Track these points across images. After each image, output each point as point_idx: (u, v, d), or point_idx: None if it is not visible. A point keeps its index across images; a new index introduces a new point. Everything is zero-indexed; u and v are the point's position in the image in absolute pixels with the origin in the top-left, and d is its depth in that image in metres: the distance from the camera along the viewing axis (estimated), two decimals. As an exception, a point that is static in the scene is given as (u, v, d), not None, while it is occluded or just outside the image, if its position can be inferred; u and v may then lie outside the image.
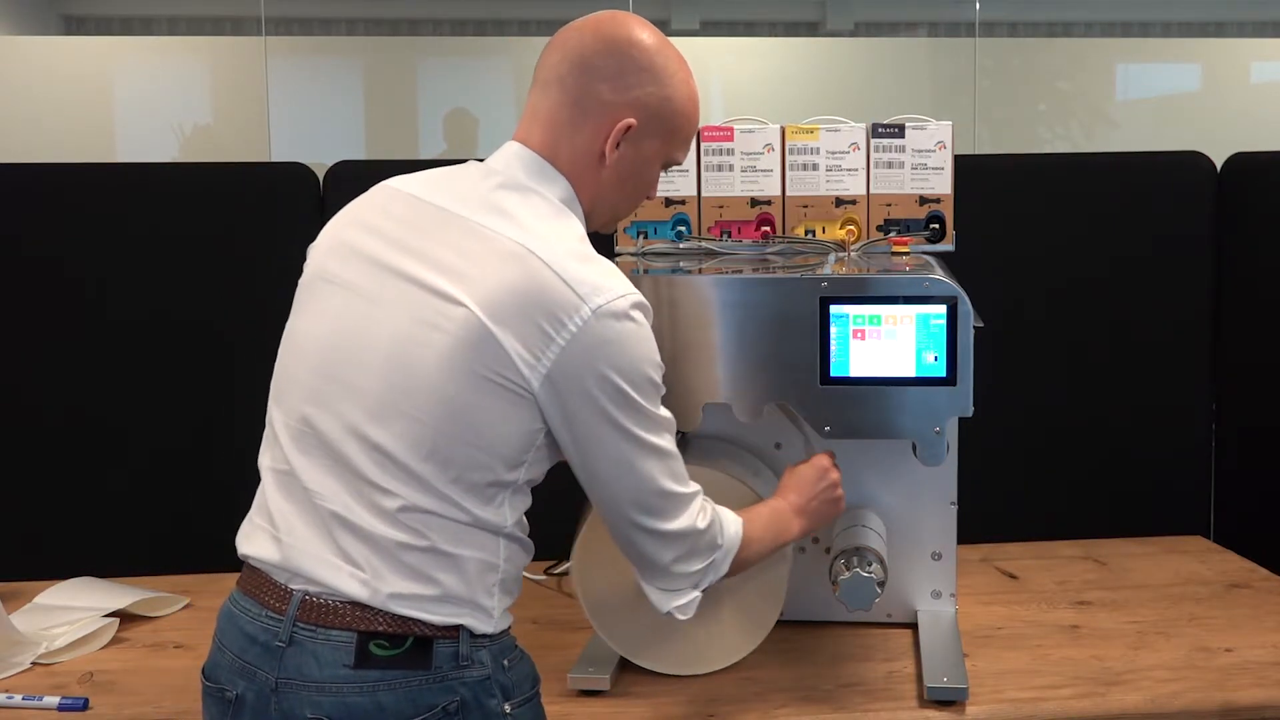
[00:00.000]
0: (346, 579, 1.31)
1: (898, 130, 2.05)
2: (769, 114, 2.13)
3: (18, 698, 1.74)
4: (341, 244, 1.45)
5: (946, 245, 2.06)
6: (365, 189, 2.36)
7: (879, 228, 2.06)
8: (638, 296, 1.36)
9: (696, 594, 1.50)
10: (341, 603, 1.32)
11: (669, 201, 2.07)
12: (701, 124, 2.08)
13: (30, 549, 2.31)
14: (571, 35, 1.46)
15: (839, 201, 2.06)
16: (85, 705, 1.72)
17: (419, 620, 1.32)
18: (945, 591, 1.96)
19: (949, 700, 1.69)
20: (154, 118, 4.66)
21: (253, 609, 1.37)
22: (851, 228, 2.05)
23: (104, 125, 4.69)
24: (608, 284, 1.34)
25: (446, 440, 1.31)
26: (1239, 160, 2.47)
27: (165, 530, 2.35)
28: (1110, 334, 2.47)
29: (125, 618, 2.03)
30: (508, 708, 1.36)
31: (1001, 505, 2.42)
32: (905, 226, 2.05)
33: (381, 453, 1.32)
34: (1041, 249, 2.45)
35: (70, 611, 2.00)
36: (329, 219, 2.41)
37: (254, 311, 2.35)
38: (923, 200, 2.05)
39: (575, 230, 1.42)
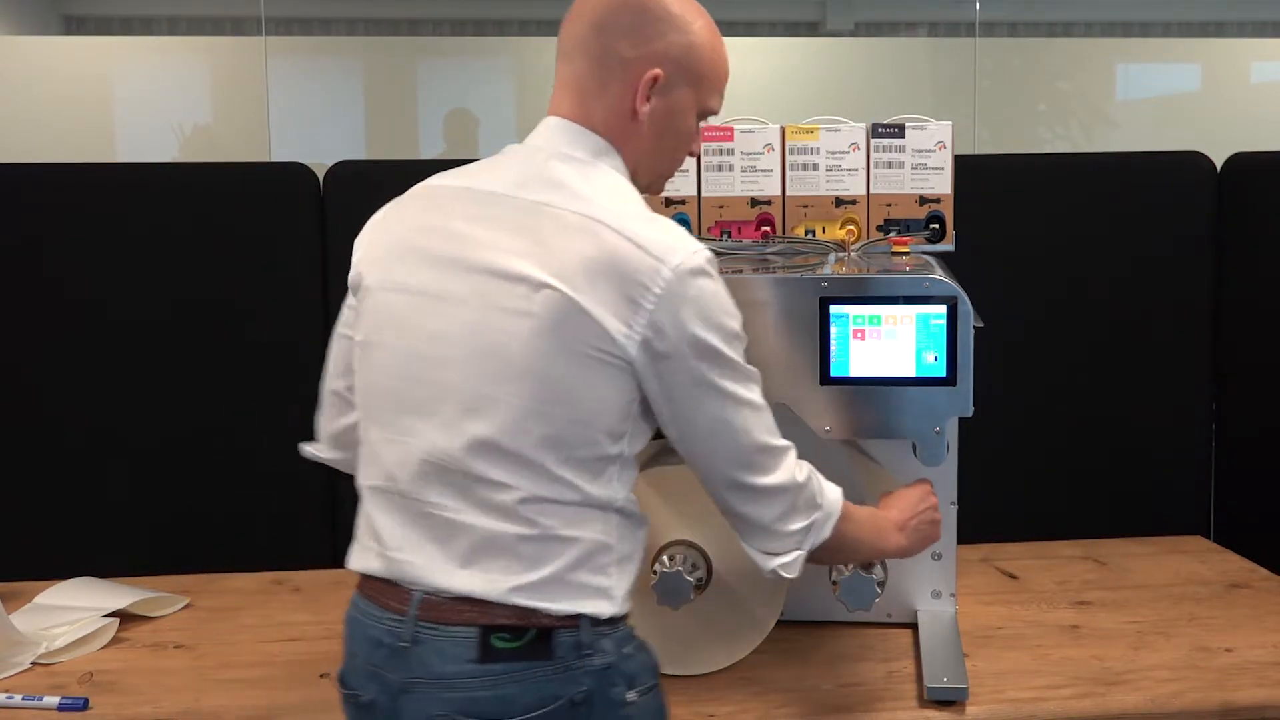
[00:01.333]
0: (465, 579, 1.32)
1: (898, 130, 2.05)
2: (769, 114, 2.13)
3: (18, 698, 1.74)
4: (401, 249, 1.42)
5: (946, 245, 2.06)
6: (365, 189, 2.35)
7: (879, 228, 2.06)
8: (706, 250, 1.36)
9: (801, 553, 1.46)
10: (462, 599, 1.32)
11: (669, 201, 2.07)
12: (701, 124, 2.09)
13: (30, 549, 2.31)
14: (586, 0, 1.46)
15: (839, 201, 2.06)
16: (85, 705, 1.72)
17: (539, 610, 1.31)
18: (945, 591, 1.96)
19: (949, 700, 1.69)
20: (154, 118, 4.66)
21: (374, 612, 1.38)
22: (851, 228, 2.05)
23: (104, 125, 4.69)
24: (678, 242, 1.34)
25: (551, 421, 1.31)
26: (1239, 160, 2.47)
27: (165, 530, 2.35)
28: (1110, 334, 2.47)
29: (125, 618, 2.03)
30: (632, 696, 1.36)
31: (1001, 505, 2.42)
32: (905, 226, 2.05)
33: (488, 447, 1.31)
34: (1041, 249, 2.45)
35: (70, 611, 2.00)
36: (329, 219, 2.42)
37: (254, 311, 2.35)
38: (923, 200, 2.05)
39: (631, 192, 1.41)
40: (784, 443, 1.43)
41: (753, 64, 5.27)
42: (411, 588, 1.34)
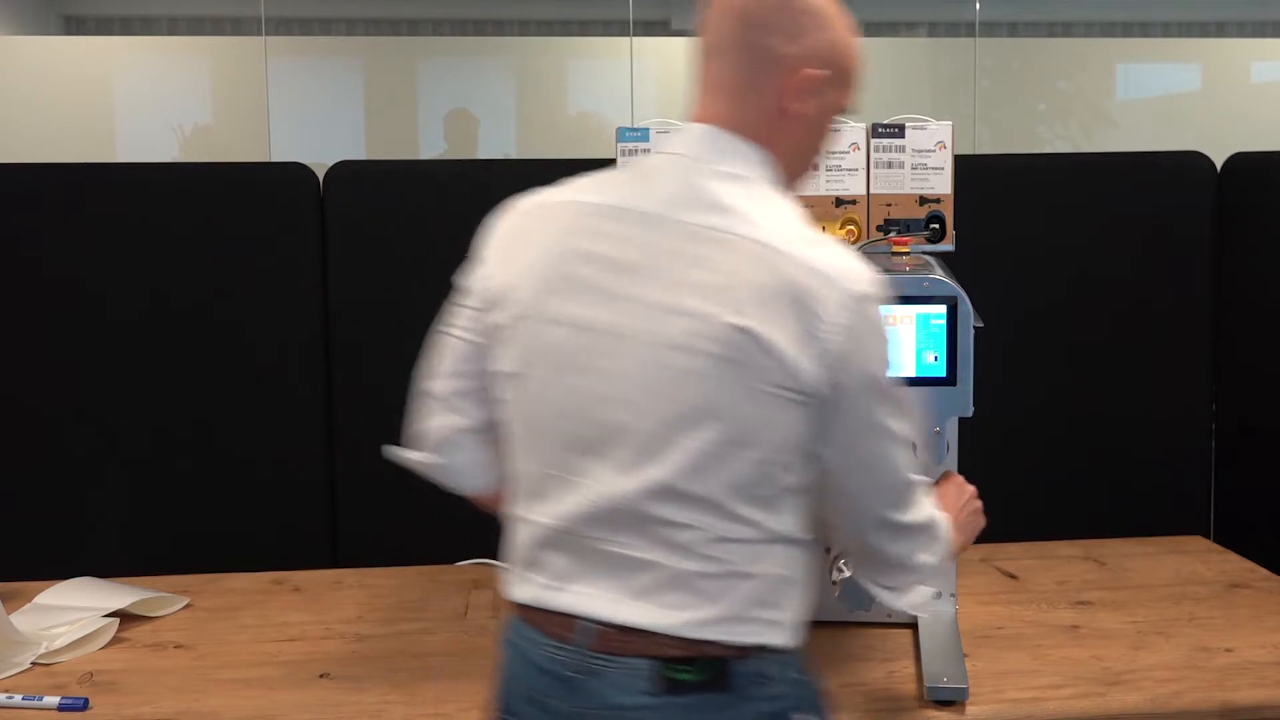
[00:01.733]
0: (638, 611, 1.28)
1: (898, 130, 2.05)
2: (769, 114, 2.13)
3: (18, 698, 1.74)
4: (554, 275, 1.33)
5: (946, 245, 2.06)
6: (365, 189, 2.36)
7: (879, 228, 2.06)
8: (869, 269, 1.30)
9: (926, 587, 1.44)
10: (633, 630, 1.28)
11: (669, 201, 2.07)
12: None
13: (30, 549, 2.31)
14: None
15: (839, 201, 2.06)
16: (85, 705, 1.72)
17: (717, 642, 1.28)
18: (945, 591, 1.96)
19: (949, 700, 1.69)
20: (154, 118, 4.67)
21: (538, 639, 1.33)
22: (851, 228, 2.05)
23: (104, 125, 4.69)
24: (847, 264, 1.28)
25: (733, 462, 1.26)
26: (1239, 160, 2.47)
27: (165, 530, 2.35)
28: (1110, 334, 2.47)
29: (125, 618, 2.03)
30: None
31: (1001, 505, 2.42)
32: (905, 226, 2.05)
33: (668, 491, 1.26)
34: (1041, 249, 2.45)
35: (70, 611, 2.00)
36: (329, 219, 2.41)
37: (254, 311, 2.35)
38: (923, 200, 2.05)
39: (794, 211, 1.33)
40: (922, 477, 1.39)
41: (753, 64, 5.26)
42: (579, 618, 1.30)
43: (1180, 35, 5.94)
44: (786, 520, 1.31)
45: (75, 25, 5.56)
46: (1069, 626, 1.97)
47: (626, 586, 1.28)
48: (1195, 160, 2.49)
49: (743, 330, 1.24)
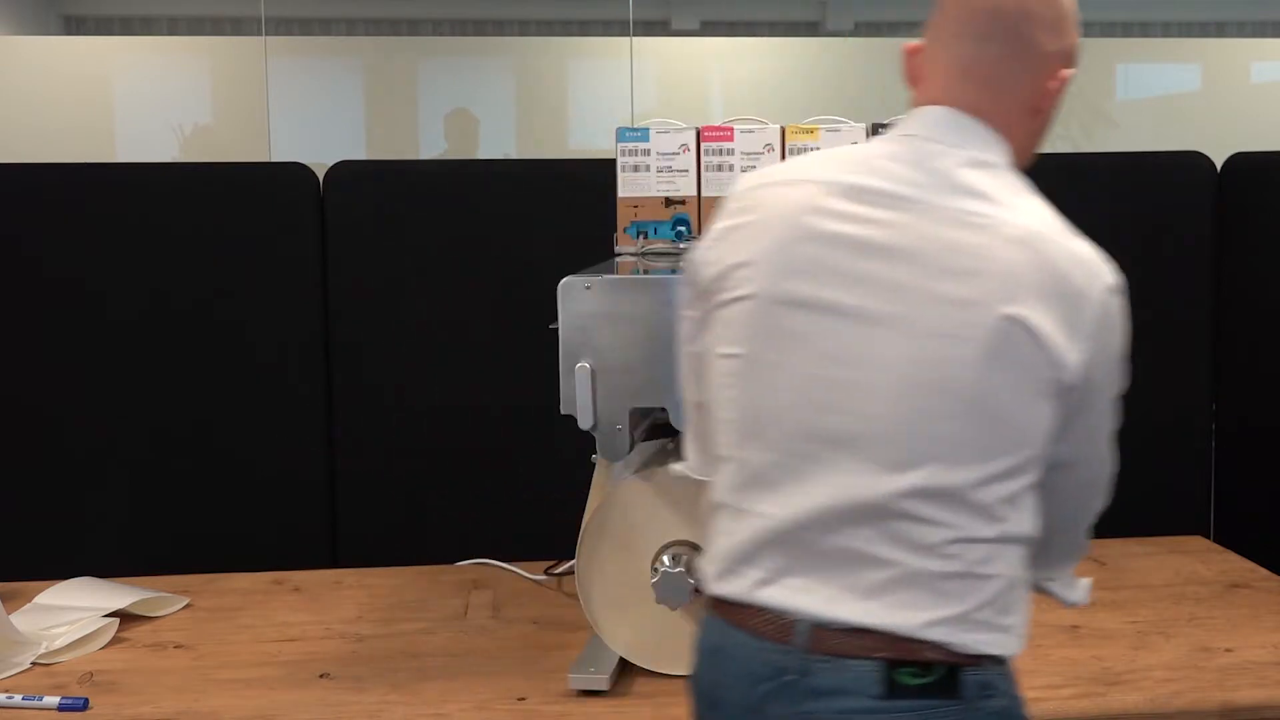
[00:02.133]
0: (867, 610, 1.21)
1: (898, 130, 2.05)
2: (769, 114, 2.13)
3: (18, 698, 1.74)
4: (791, 256, 1.27)
5: (946, 245, 2.05)
6: (365, 189, 2.36)
7: (879, 228, 2.05)
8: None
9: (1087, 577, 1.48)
10: (859, 630, 1.20)
11: (669, 201, 2.07)
12: (701, 124, 2.09)
13: (30, 549, 2.31)
14: None
15: (839, 201, 2.06)
16: (85, 705, 1.72)
17: (949, 646, 1.20)
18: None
19: (949, 700, 1.69)
20: (154, 118, 4.67)
21: (749, 641, 1.25)
22: (851, 228, 2.05)
23: (104, 125, 4.69)
24: (1099, 257, 1.28)
25: (992, 458, 1.20)
26: (1239, 160, 2.47)
27: (165, 530, 2.35)
28: (1110, 334, 2.47)
29: (125, 618, 2.03)
30: None
31: (1001, 505, 2.42)
32: (905, 226, 2.05)
33: (922, 487, 1.20)
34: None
35: (70, 611, 2.00)
36: (329, 219, 2.42)
37: (254, 311, 2.35)
38: (923, 200, 2.05)
39: (1043, 201, 1.31)
40: None
41: (753, 64, 5.27)
42: (798, 617, 1.22)
43: (1180, 35, 5.94)
44: (1025, 520, 1.25)
45: (75, 25, 5.56)
46: (1069, 626, 1.97)
47: (853, 584, 1.21)
48: (1195, 160, 2.49)
49: (1014, 320, 1.20)
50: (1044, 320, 1.21)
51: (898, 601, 1.20)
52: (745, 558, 1.26)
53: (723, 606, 1.28)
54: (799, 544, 1.23)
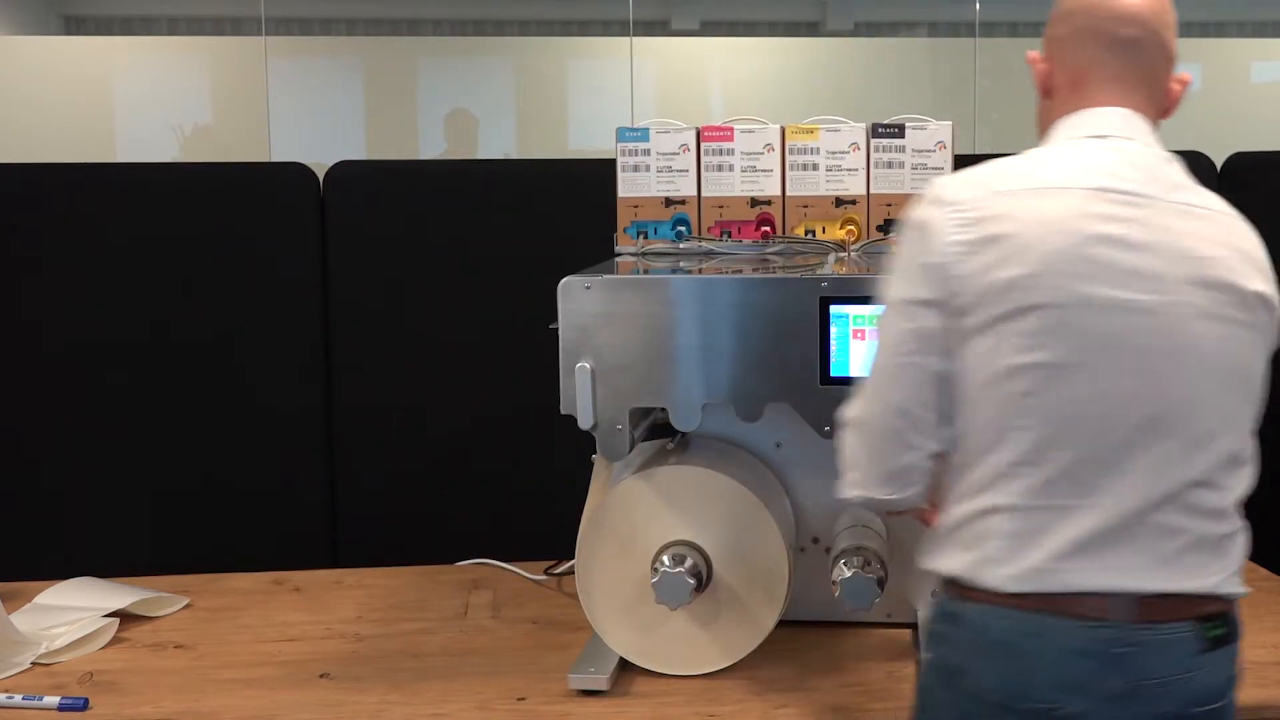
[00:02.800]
0: (1173, 579, 1.34)
1: (898, 130, 2.05)
2: (769, 114, 2.13)
3: (18, 698, 1.74)
4: (1070, 260, 1.33)
5: (946, 245, 2.05)
6: (365, 189, 2.36)
7: (879, 228, 2.06)
8: None
9: None
10: (1175, 596, 1.34)
11: (669, 201, 2.08)
12: (701, 124, 2.09)
13: (30, 549, 2.31)
14: None
15: (839, 201, 2.06)
16: (85, 705, 1.72)
17: (1229, 597, 1.39)
18: (945, 591, 1.95)
19: (949, 700, 1.69)
20: (154, 118, 4.67)
21: (1066, 625, 1.33)
22: (851, 228, 2.05)
23: (104, 125, 4.69)
24: None
25: (1249, 422, 1.39)
26: (1239, 160, 2.47)
27: (165, 530, 2.35)
28: (1110, 334, 2.47)
29: (125, 618, 2.03)
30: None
31: (1001, 505, 2.42)
32: (905, 226, 2.05)
33: (1218, 458, 1.36)
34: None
35: (70, 611, 2.00)
36: (329, 219, 2.42)
37: (254, 311, 2.35)
38: (923, 200, 2.05)
39: None
40: None
41: (753, 64, 5.27)
42: (1114, 594, 1.33)
43: (1180, 35, 5.93)
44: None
45: (75, 25, 5.56)
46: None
47: (1160, 555, 1.34)
48: (1195, 160, 2.48)
49: (1260, 295, 1.37)
50: (1273, 292, 1.39)
51: (1194, 565, 1.35)
52: (1069, 551, 1.33)
53: (1028, 600, 1.33)
54: (1121, 528, 1.33)
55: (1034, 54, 1.50)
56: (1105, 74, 1.44)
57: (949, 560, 1.38)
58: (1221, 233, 1.39)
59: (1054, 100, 1.49)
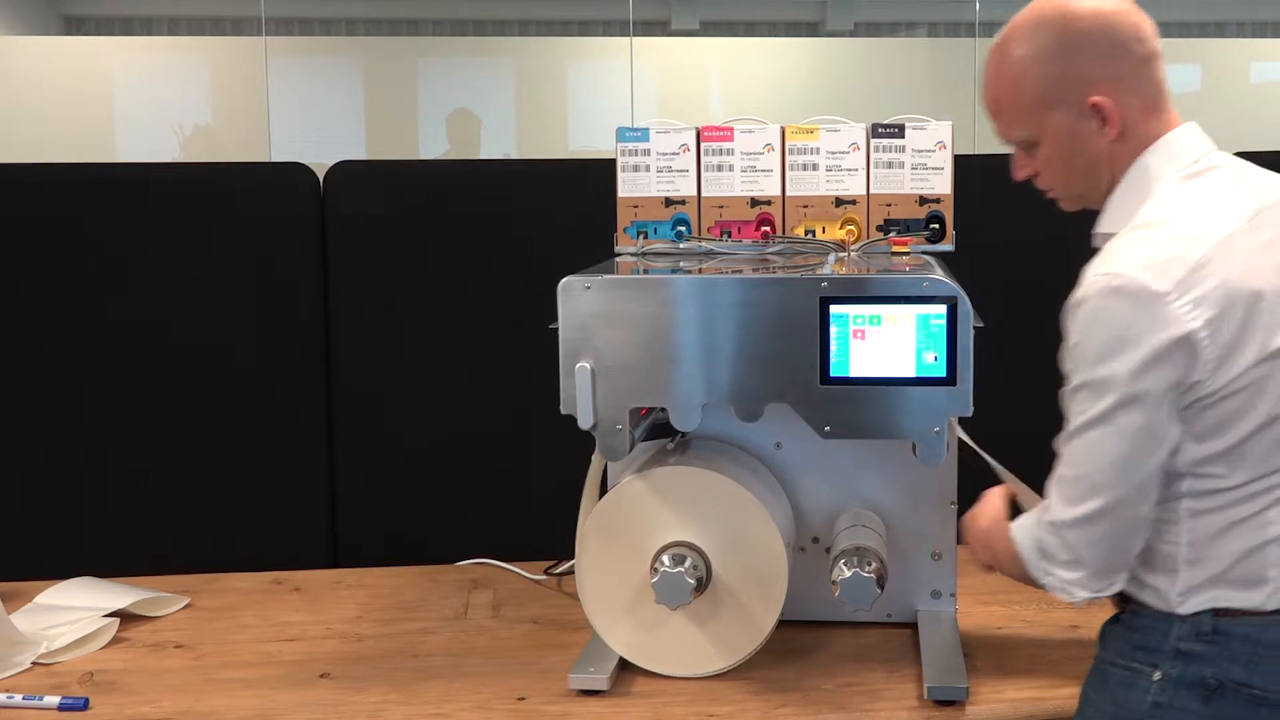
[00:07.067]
0: None
1: (898, 130, 2.05)
2: (769, 114, 2.13)
3: (18, 698, 1.74)
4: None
5: (946, 245, 2.06)
6: (365, 189, 2.36)
7: (879, 228, 2.06)
8: None
9: None
10: None
11: (669, 201, 2.08)
12: (701, 124, 2.09)
13: (30, 549, 2.31)
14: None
15: (839, 201, 2.06)
16: (85, 705, 1.72)
17: None
18: (945, 591, 1.96)
19: (949, 700, 1.69)
20: (154, 118, 4.67)
21: None
22: (851, 228, 2.05)
23: (104, 125, 4.69)
24: None
25: None
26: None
27: (165, 530, 2.35)
28: (1110, 334, 2.47)
29: (125, 618, 2.03)
30: None
31: (1001, 505, 2.42)
32: (905, 226, 2.05)
33: None
34: (1041, 249, 2.44)
35: (70, 611, 2.00)
36: (329, 219, 2.42)
37: (254, 311, 2.35)
38: (923, 200, 2.05)
39: None
40: None
41: (753, 64, 5.28)
42: None
43: (1180, 35, 5.94)
44: None
45: (75, 25, 5.57)
46: (1069, 626, 1.97)
47: None
48: (1195, 160, 2.48)
49: None
50: None
51: None
52: None
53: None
54: None
55: (1099, 99, 1.47)
56: (1165, 91, 1.50)
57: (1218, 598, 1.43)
58: None
59: (1127, 140, 1.49)
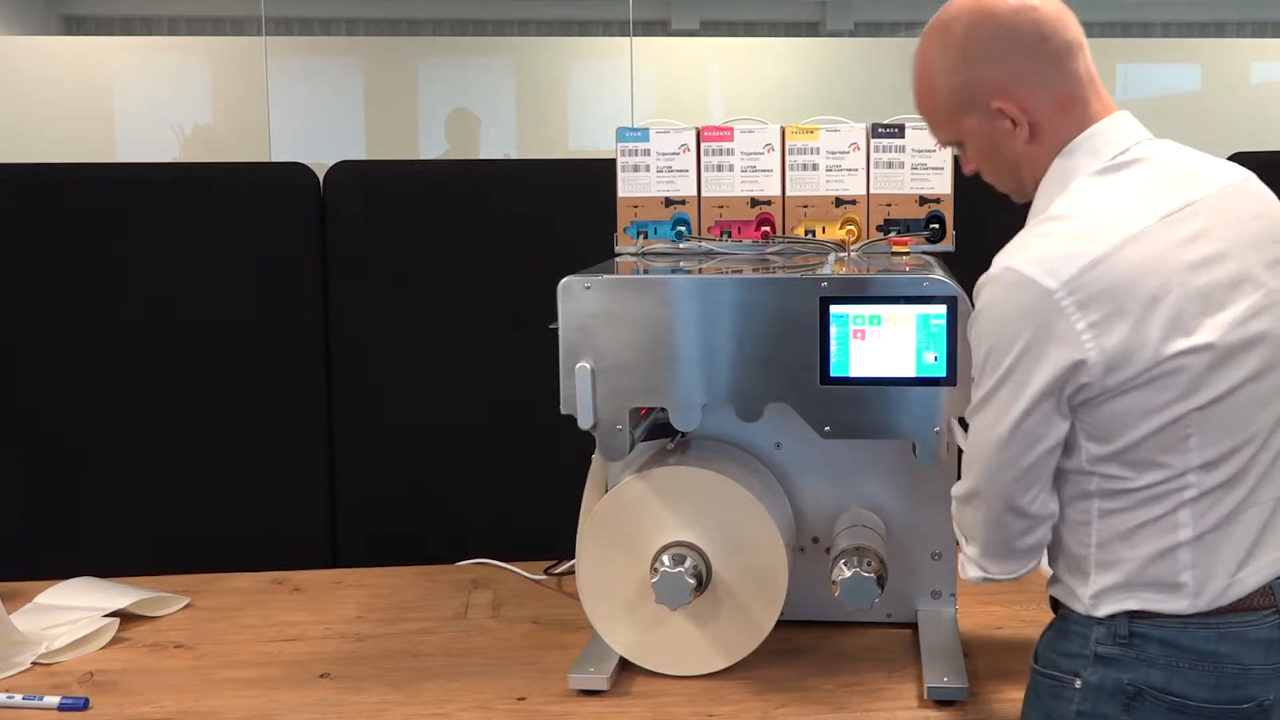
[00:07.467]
0: None
1: (898, 130, 2.05)
2: (769, 114, 2.13)
3: (18, 698, 1.74)
4: (1189, 300, 1.38)
5: (946, 245, 2.06)
6: (365, 189, 2.36)
7: (879, 228, 2.06)
8: None
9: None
10: None
11: (669, 201, 2.08)
12: (701, 124, 2.09)
13: (30, 549, 2.31)
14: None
15: (839, 201, 2.06)
16: (85, 705, 1.72)
17: None
18: (945, 591, 1.96)
19: (949, 700, 1.69)
20: (154, 118, 4.67)
21: (1251, 620, 1.39)
22: (851, 228, 2.05)
23: (104, 125, 4.69)
24: None
25: None
26: (1239, 160, 2.46)
27: (165, 530, 2.35)
28: (1110, 334, 2.47)
29: (125, 618, 2.03)
30: None
31: (1001, 505, 2.42)
32: (905, 226, 2.05)
33: None
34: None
35: (70, 611, 2.00)
36: (329, 219, 2.42)
37: (254, 311, 2.35)
38: (923, 200, 2.05)
39: None
40: None
41: (753, 64, 5.27)
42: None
43: (1180, 35, 5.95)
44: None
45: (75, 25, 5.57)
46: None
47: None
48: (1195, 160, 2.48)
49: None
50: None
51: None
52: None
53: (1216, 613, 1.40)
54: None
55: (1001, 103, 1.44)
56: (1086, 81, 1.45)
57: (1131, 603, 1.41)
58: (1260, 204, 1.47)
59: (1041, 138, 1.45)
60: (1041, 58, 1.43)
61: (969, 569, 1.51)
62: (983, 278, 1.41)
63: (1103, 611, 1.42)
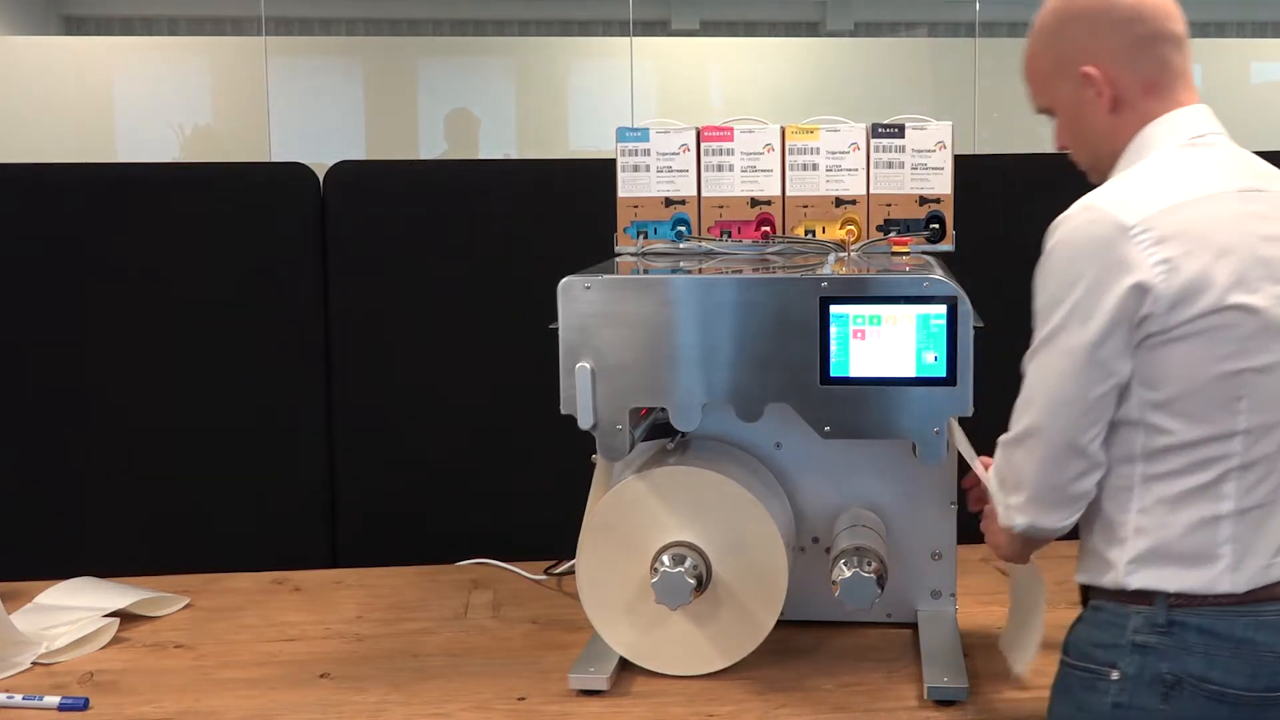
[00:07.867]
0: None
1: (898, 130, 2.05)
2: (769, 114, 2.13)
3: (18, 698, 1.74)
4: (1249, 264, 1.40)
5: (946, 245, 2.06)
6: (365, 189, 2.36)
7: (879, 228, 2.06)
8: None
9: None
10: None
11: (669, 201, 2.08)
12: (701, 124, 2.09)
13: (30, 549, 2.31)
14: None
15: (839, 201, 2.06)
16: (85, 705, 1.72)
17: None
18: (945, 591, 1.96)
19: (949, 700, 1.69)
20: (154, 118, 4.67)
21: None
22: (851, 228, 2.05)
23: (104, 125, 4.69)
24: None
25: None
26: (1239, 160, 2.47)
27: (165, 530, 2.35)
28: (1110, 334, 2.47)
29: (125, 618, 2.03)
30: None
31: (1001, 505, 2.42)
32: (905, 226, 2.05)
33: None
34: (1041, 249, 2.44)
35: (70, 611, 2.00)
36: (329, 219, 2.42)
37: (254, 311, 2.35)
38: (923, 200, 2.05)
39: None
40: None
41: (753, 64, 5.27)
42: None
43: (1180, 35, 5.93)
44: None
45: (75, 25, 5.56)
46: (1069, 626, 1.97)
47: None
48: (1195, 160, 2.48)
49: None
50: None
51: None
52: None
53: (1251, 595, 1.41)
54: None
55: (1088, 68, 1.49)
56: (1177, 73, 1.50)
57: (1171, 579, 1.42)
58: None
59: (1123, 112, 1.50)
60: (1133, 39, 1.49)
61: (1014, 516, 1.50)
62: (1058, 219, 1.45)
63: (1135, 584, 1.43)
